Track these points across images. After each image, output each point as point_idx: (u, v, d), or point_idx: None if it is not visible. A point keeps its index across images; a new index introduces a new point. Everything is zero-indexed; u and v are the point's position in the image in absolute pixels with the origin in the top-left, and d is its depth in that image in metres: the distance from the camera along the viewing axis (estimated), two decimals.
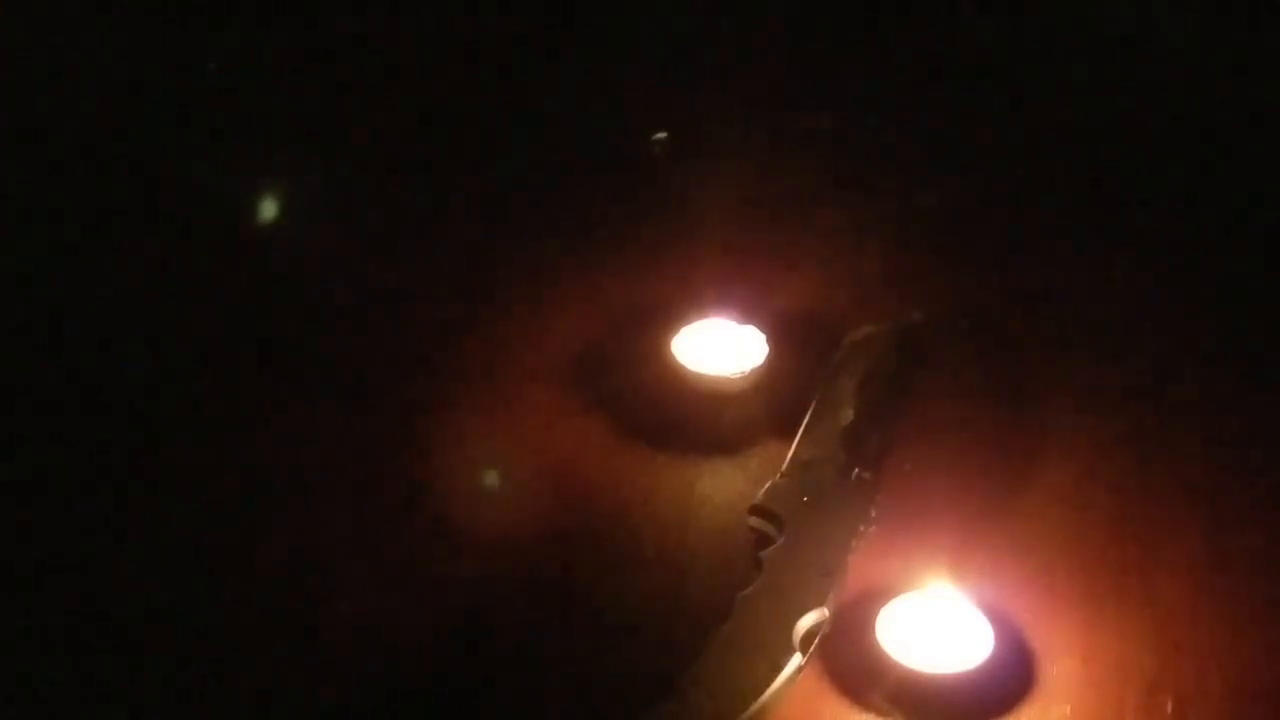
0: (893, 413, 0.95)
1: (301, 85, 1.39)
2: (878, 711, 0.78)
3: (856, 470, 0.88)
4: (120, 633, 0.83)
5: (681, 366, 0.99)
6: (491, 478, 0.97)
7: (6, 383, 1.02)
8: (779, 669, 0.75)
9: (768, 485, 0.87)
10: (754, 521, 0.86)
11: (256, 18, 1.46)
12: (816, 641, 0.78)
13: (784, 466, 0.90)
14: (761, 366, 0.99)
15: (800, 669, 0.77)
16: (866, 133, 1.31)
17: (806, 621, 0.78)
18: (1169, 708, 0.78)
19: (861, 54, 1.42)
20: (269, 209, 1.28)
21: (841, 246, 1.16)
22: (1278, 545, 0.88)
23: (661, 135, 1.29)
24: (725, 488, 0.93)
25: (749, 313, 1.01)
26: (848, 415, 0.93)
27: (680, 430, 0.96)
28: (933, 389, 1.00)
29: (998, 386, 1.01)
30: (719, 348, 1.00)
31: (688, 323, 1.01)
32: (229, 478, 0.94)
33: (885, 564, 0.84)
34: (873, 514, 0.86)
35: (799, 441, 0.92)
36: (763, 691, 0.74)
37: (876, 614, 0.81)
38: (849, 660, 0.80)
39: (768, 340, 1.00)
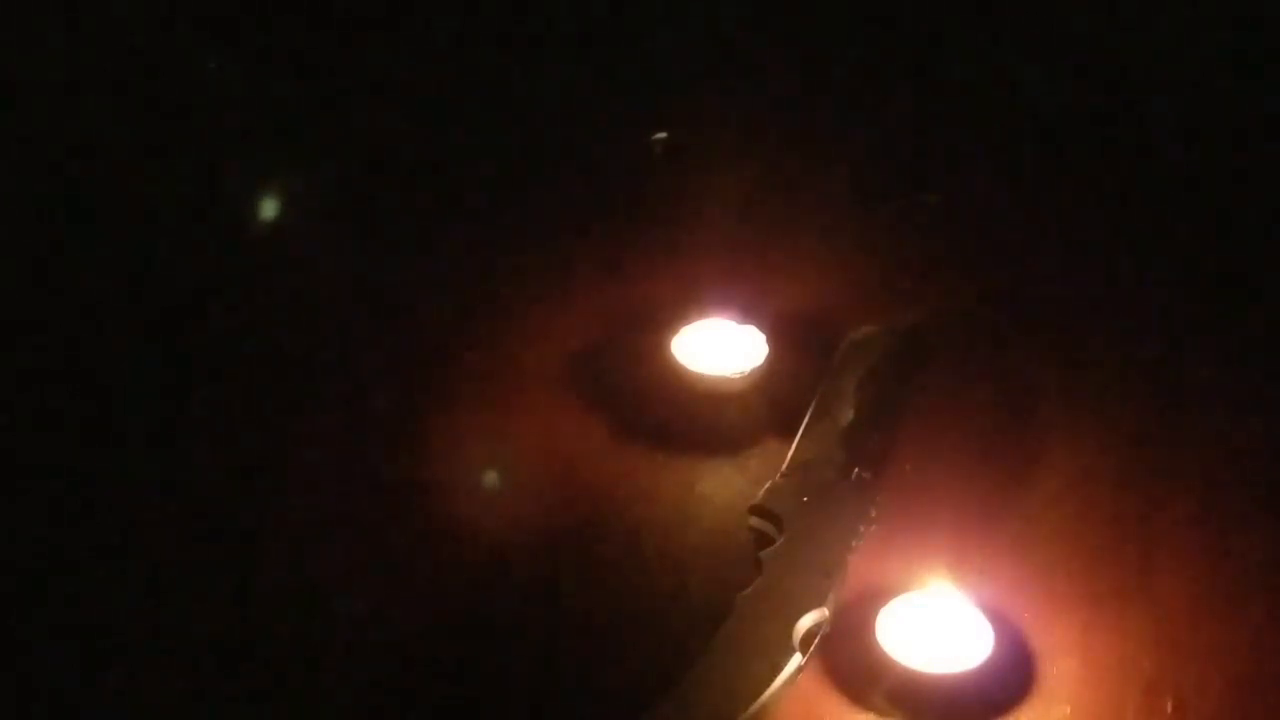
0: (893, 413, 0.95)
1: (300, 86, 1.39)
2: (878, 711, 0.78)
3: (856, 470, 0.88)
4: (120, 632, 0.83)
5: (681, 366, 0.99)
6: (492, 478, 0.97)
7: (8, 382, 1.02)
8: (779, 669, 0.75)
9: (768, 485, 0.87)
10: (754, 521, 0.86)
11: (256, 18, 1.46)
12: (816, 641, 0.78)
13: (784, 466, 0.90)
14: (761, 366, 0.99)
15: (800, 669, 0.77)
16: (867, 133, 1.31)
17: (806, 621, 0.78)
18: (1169, 708, 0.78)
19: (861, 54, 1.42)
20: (266, 210, 1.28)
21: (841, 247, 1.16)
22: (1278, 545, 0.88)
23: (661, 135, 1.29)
24: (725, 488, 0.93)
25: (749, 313, 1.01)
26: (848, 415, 0.93)
27: (680, 430, 0.96)
28: (933, 389, 1.00)
29: (998, 387, 1.01)
30: (719, 348, 1.00)
31: (688, 323, 1.01)
32: (230, 478, 0.94)
33: (885, 564, 0.84)
34: (873, 514, 0.86)
35: (799, 441, 0.92)
36: (763, 691, 0.74)
37: (876, 614, 0.81)
38: (849, 660, 0.80)
39: (768, 340, 1.00)
